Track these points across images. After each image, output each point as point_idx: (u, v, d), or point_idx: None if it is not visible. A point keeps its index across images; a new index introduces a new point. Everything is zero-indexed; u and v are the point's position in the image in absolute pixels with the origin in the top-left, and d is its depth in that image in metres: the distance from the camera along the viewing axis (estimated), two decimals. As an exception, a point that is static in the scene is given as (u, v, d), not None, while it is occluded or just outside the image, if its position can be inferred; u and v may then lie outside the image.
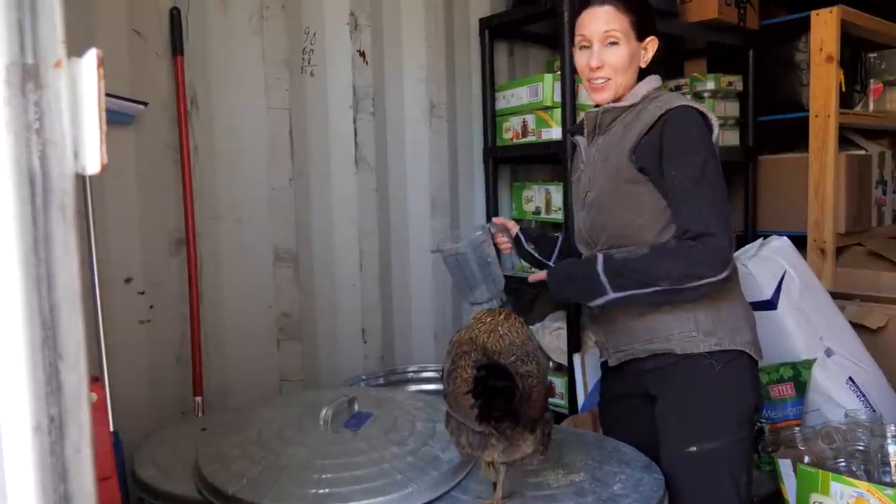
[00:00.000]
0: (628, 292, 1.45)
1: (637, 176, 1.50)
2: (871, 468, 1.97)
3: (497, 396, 1.13)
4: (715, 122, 1.51)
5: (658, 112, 1.48)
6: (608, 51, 1.53)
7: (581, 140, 1.68)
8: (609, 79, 1.54)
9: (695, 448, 1.49)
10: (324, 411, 1.44)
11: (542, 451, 1.26)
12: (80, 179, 0.56)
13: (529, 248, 1.79)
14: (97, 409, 1.34)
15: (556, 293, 1.58)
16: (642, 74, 1.59)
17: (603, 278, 1.46)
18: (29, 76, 0.52)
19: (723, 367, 1.50)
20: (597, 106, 1.63)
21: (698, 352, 1.50)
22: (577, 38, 1.58)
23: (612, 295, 1.46)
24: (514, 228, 1.81)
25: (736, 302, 1.56)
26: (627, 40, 1.53)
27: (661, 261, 1.42)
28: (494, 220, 1.82)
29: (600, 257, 1.48)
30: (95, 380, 1.56)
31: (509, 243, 1.79)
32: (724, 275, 1.41)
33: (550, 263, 1.79)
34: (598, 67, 1.53)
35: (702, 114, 1.49)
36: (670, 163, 1.45)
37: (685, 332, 1.51)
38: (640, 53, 1.56)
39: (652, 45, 1.57)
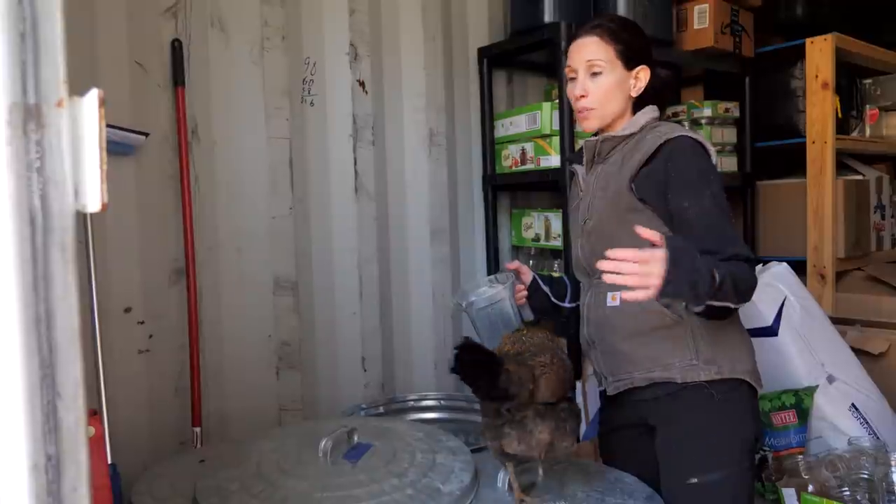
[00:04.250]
0: (715, 303, 1.31)
1: (637, 204, 1.51)
2: (875, 497, 1.95)
3: (479, 373, 1.24)
4: (713, 152, 1.52)
5: (658, 141, 1.49)
6: (592, 80, 1.56)
7: (579, 168, 1.69)
8: (593, 108, 1.57)
9: (696, 479, 1.48)
10: (323, 443, 1.43)
11: (561, 438, 1.28)
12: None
13: (546, 290, 1.77)
14: (95, 442, 1.33)
15: (675, 284, 1.25)
16: (642, 104, 1.60)
17: (717, 284, 1.28)
18: (31, 116, 0.53)
19: (723, 398, 1.49)
20: (595, 135, 1.64)
21: (699, 381, 1.49)
22: (566, 69, 1.61)
23: (703, 306, 1.30)
24: (529, 274, 1.76)
25: (734, 329, 1.56)
26: (612, 69, 1.55)
27: (743, 273, 1.34)
28: (508, 266, 1.74)
29: (715, 263, 1.30)
30: (94, 413, 1.55)
31: (524, 291, 1.75)
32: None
33: (565, 305, 1.78)
34: (583, 96, 1.56)
35: (701, 144, 1.51)
36: (682, 194, 1.45)
37: (685, 359, 1.50)
38: (628, 83, 1.57)
39: (643, 73, 1.58)
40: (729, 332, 1.54)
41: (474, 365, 1.23)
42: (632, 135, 1.57)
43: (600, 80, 1.55)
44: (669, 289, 1.25)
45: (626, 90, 1.57)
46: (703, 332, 1.50)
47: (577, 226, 1.66)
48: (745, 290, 1.38)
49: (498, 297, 1.62)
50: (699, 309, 1.32)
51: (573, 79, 1.59)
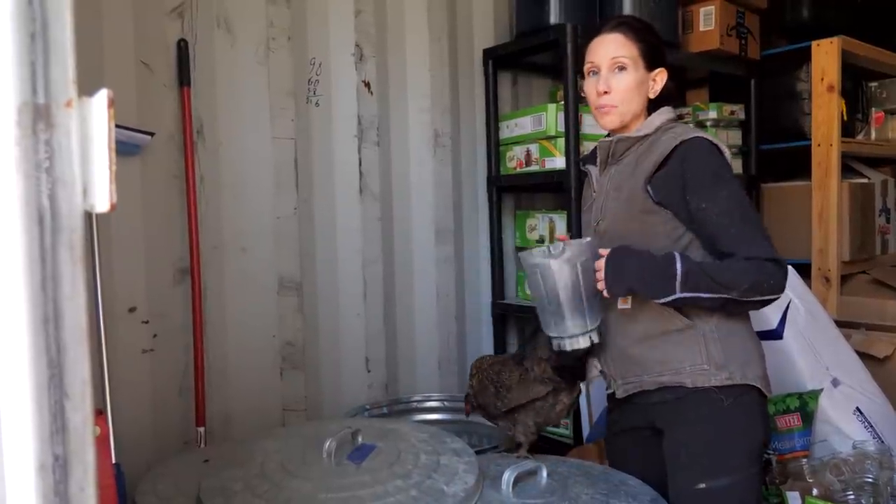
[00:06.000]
0: (695, 294, 1.39)
1: (652, 206, 1.50)
2: (880, 501, 1.94)
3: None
4: (728, 153, 1.52)
5: (673, 143, 1.48)
6: (616, 76, 1.54)
7: (593, 169, 1.67)
8: (615, 105, 1.55)
9: (704, 485, 1.47)
10: (327, 444, 1.43)
11: None
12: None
13: None
14: (100, 442, 1.32)
15: (615, 281, 1.42)
16: (655, 106, 1.60)
17: (678, 275, 1.39)
18: (40, 116, 0.53)
19: (733, 403, 1.48)
20: (609, 135, 1.63)
21: (709, 385, 1.48)
22: (587, 66, 1.59)
23: (678, 294, 1.39)
24: None
25: (746, 334, 1.55)
26: (635, 67, 1.54)
27: (738, 271, 1.40)
28: (559, 236, 1.62)
29: (678, 256, 1.42)
30: (99, 412, 1.55)
31: None
32: (781, 295, 1.44)
33: None
34: (606, 92, 1.54)
35: (716, 145, 1.50)
36: (698, 195, 1.45)
37: (697, 364, 1.49)
38: (648, 83, 1.57)
39: (661, 76, 1.58)
40: (741, 338, 1.53)
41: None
42: (646, 136, 1.56)
43: (624, 77, 1.54)
44: (618, 289, 1.44)
45: (645, 91, 1.57)
46: (715, 337, 1.49)
47: (590, 226, 1.64)
48: (749, 285, 1.39)
49: (584, 254, 1.46)
50: (669, 299, 1.41)
51: (594, 74, 1.57)
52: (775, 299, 1.46)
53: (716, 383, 1.48)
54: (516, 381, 1.62)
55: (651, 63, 1.57)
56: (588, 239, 1.51)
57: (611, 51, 1.55)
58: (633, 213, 1.52)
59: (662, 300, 1.42)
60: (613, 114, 1.56)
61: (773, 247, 1.44)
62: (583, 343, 1.48)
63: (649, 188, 1.50)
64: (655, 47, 1.58)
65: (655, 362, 1.52)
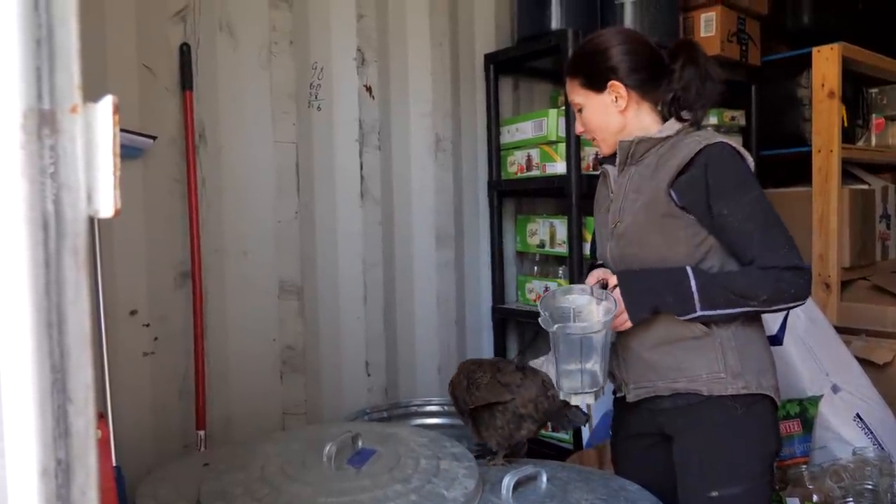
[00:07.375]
0: (717, 311, 1.42)
1: (675, 210, 1.48)
2: (880, 507, 1.94)
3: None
4: (751, 160, 1.51)
5: (697, 147, 1.46)
6: (582, 116, 1.62)
7: (611, 169, 1.65)
8: (594, 138, 1.63)
9: (717, 492, 1.46)
10: (327, 448, 1.43)
11: None
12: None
13: None
14: (101, 445, 1.32)
15: (634, 306, 1.44)
16: (678, 104, 1.56)
17: (695, 293, 1.41)
18: (45, 121, 0.53)
19: (746, 411, 1.47)
20: None
21: (724, 394, 1.47)
22: None
23: (699, 312, 1.42)
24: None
25: (762, 344, 1.54)
26: (587, 101, 1.59)
27: (755, 282, 1.41)
28: (592, 275, 1.57)
29: (690, 271, 1.43)
30: (100, 416, 1.55)
31: None
32: (806, 301, 1.46)
33: None
34: (583, 132, 1.65)
35: (738, 151, 1.49)
36: (721, 202, 1.44)
37: (714, 372, 1.48)
38: (608, 102, 1.56)
39: (617, 88, 1.55)
40: (756, 347, 1.52)
41: None
42: (668, 137, 1.53)
43: (585, 115, 1.61)
44: (635, 313, 1.45)
45: (612, 109, 1.57)
46: (732, 346, 1.48)
47: (606, 228, 1.62)
48: (767, 296, 1.41)
49: (594, 328, 1.43)
50: (689, 317, 1.44)
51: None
52: (799, 305, 1.47)
53: (731, 392, 1.47)
54: (486, 382, 1.62)
55: (597, 85, 1.56)
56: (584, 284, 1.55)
57: (570, 97, 1.64)
58: (652, 217, 1.50)
59: (683, 318, 1.44)
60: (601, 145, 1.64)
61: (797, 253, 1.44)
62: (599, 393, 1.48)
63: (672, 192, 1.48)
64: (592, 69, 1.57)
65: (670, 368, 1.51)
